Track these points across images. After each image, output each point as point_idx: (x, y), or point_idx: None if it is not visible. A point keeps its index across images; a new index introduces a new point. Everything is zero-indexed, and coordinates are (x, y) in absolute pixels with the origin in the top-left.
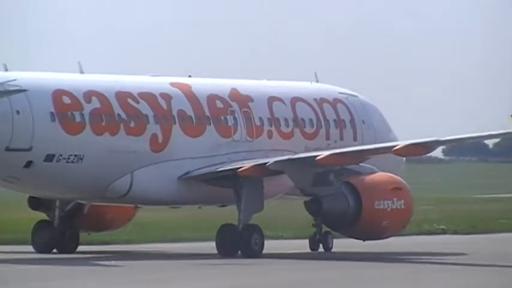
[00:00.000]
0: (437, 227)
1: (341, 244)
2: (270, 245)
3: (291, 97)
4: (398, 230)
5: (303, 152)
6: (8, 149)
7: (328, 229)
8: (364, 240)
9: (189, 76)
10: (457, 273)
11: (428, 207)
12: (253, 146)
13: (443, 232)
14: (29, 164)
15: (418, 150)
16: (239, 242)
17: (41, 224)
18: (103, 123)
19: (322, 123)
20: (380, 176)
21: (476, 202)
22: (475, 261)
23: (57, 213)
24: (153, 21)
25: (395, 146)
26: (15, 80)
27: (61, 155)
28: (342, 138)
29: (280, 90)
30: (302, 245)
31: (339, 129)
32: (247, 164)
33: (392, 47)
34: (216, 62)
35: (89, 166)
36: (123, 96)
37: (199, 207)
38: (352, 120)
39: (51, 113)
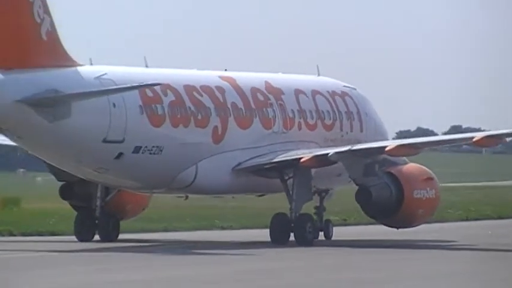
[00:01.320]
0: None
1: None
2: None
3: (311, 90)
4: (429, 218)
5: (323, 143)
6: (105, 141)
7: (328, 218)
8: (397, 229)
9: (225, 70)
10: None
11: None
12: (287, 137)
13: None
14: (119, 155)
15: (491, 142)
16: (293, 231)
17: (83, 214)
18: (178, 116)
19: (337, 115)
20: (413, 166)
21: None
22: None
23: (98, 203)
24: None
25: (472, 138)
26: (105, 74)
27: (146, 147)
28: (352, 130)
29: (302, 83)
30: None
31: (349, 121)
32: (307, 155)
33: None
34: (218, 55)
35: (166, 157)
36: (190, 89)
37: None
38: (358, 112)
39: (140, 106)
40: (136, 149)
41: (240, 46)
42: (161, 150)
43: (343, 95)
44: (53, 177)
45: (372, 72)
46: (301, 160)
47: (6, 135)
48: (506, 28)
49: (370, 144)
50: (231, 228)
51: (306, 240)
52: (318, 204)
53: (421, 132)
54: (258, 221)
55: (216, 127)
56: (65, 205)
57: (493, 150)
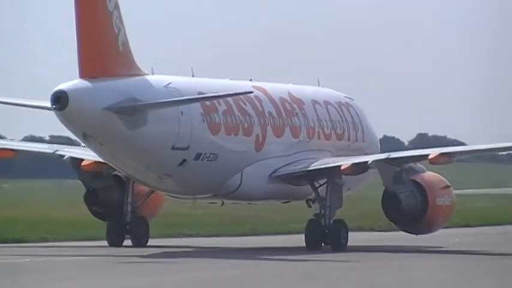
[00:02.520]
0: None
1: None
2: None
3: (323, 100)
4: (444, 225)
5: (335, 152)
6: (173, 148)
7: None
8: (417, 235)
9: (250, 80)
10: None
11: None
12: (309, 146)
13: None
14: (183, 162)
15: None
16: (327, 236)
17: (114, 220)
18: (230, 124)
19: (345, 125)
20: (432, 175)
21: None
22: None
23: (129, 208)
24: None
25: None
26: (171, 83)
27: (205, 154)
28: (356, 139)
29: (316, 94)
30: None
31: (354, 131)
32: (346, 163)
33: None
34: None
35: (219, 164)
36: (236, 98)
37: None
38: (360, 122)
39: (201, 114)
40: (198, 156)
41: (239, 54)
42: (216, 157)
43: (347, 105)
44: (20, 184)
45: (337, 81)
46: (342, 168)
47: (87, 142)
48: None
49: (410, 152)
50: (196, 235)
51: (340, 245)
52: (317, 211)
53: (387, 140)
54: (224, 228)
55: (257, 135)
56: (31, 213)
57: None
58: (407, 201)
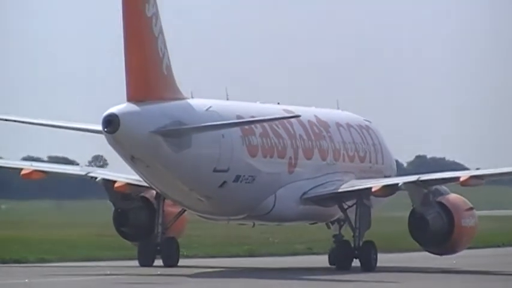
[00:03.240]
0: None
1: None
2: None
3: (345, 123)
4: (468, 245)
5: (358, 174)
6: (215, 170)
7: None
8: (441, 255)
9: (278, 103)
10: None
11: None
12: (335, 168)
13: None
14: (223, 184)
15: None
16: (357, 257)
17: (145, 241)
18: (266, 147)
19: (366, 147)
20: (457, 197)
21: None
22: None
23: (160, 229)
24: None
25: None
26: (211, 106)
27: (244, 176)
28: (377, 162)
29: (339, 117)
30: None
31: (375, 153)
32: (377, 184)
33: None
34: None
35: (256, 186)
36: (269, 122)
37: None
38: (379, 145)
39: (241, 136)
40: (237, 178)
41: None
42: (254, 179)
43: (367, 128)
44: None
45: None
46: (373, 189)
47: (134, 164)
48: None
49: (440, 175)
50: (196, 256)
51: (371, 266)
52: (337, 232)
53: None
54: (222, 249)
55: (290, 158)
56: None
57: None
58: (435, 222)
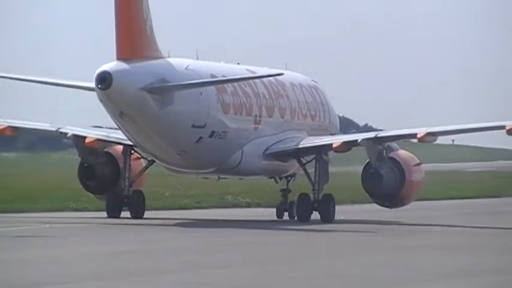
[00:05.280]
0: (241, 200)
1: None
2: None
3: (298, 83)
4: (415, 199)
5: (309, 131)
6: (193, 126)
7: (292, 200)
8: (391, 208)
9: (238, 63)
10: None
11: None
12: (291, 125)
13: (248, 205)
14: (199, 139)
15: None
16: (316, 209)
17: (112, 194)
18: (237, 104)
19: (315, 106)
20: (406, 153)
21: None
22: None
23: (127, 183)
24: None
25: (504, 126)
26: (188, 65)
27: (218, 132)
28: (324, 120)
29: (291, 77)
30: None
31: (323, 112)
32: (337, 140)
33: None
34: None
35: (227, 141)
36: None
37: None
38: (326, 104)
39: (216, 94)
40: (212, 134)
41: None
42: (226, 135)
43: (316, 88)
44: None
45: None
46: (334, 145)
47: (121, 120)
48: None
49: (398, 132)
50: (85, 210)
51: (329, 218)
52: (284, 187)
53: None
54: None
55: (256, 115)
56: None
57: None
58: (388, 177)
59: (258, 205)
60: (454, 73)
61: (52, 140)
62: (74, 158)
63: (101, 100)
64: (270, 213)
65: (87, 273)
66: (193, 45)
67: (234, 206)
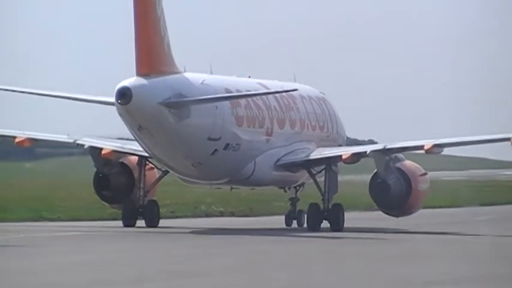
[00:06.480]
0: (215, 209)
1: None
2: None
3: (307, 95)
4: (421, 208)
5: (318, 142)
6: (209, 139)
7: (301, 208)
8: (397, 217)
9: (249, 76)
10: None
11: (203, 190)
12: (301, 137)
13: (221, 214)
14: (214, 151)
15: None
16: (328, 218)
17: (128, 204)
18: (250, 117)
19: (324, 117)
20: (412, 163)
21: None
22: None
23: (141, 193)
24: None
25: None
26: (204, 80)
27: (232, 144)
28: (332, 131)
29: (301, 89)
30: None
31: (331, 124)
32: (346, 152)
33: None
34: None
35: (241, 153)
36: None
37: (231, 190)
38: (334, 115)
39: (230, 108)
40: (226, 146)
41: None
42: (239, 147)
43: (323, 100)
44: None
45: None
46: (343, 157)
47: (140, 134)
48: None
49: (405, 144)
50: (59, 219)
51: (339, 226)
52: (293, 196)
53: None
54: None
55: (268, 127)
56: None
57: None
58: (395, 186)
59: (232, 214)
60: (459, 86)
61: (25, 149)
62: (48, 167)
63: (120, 114)
64: (247, 222)
65: (62, 283)
66: (202, 55)
67: (208, 215)
